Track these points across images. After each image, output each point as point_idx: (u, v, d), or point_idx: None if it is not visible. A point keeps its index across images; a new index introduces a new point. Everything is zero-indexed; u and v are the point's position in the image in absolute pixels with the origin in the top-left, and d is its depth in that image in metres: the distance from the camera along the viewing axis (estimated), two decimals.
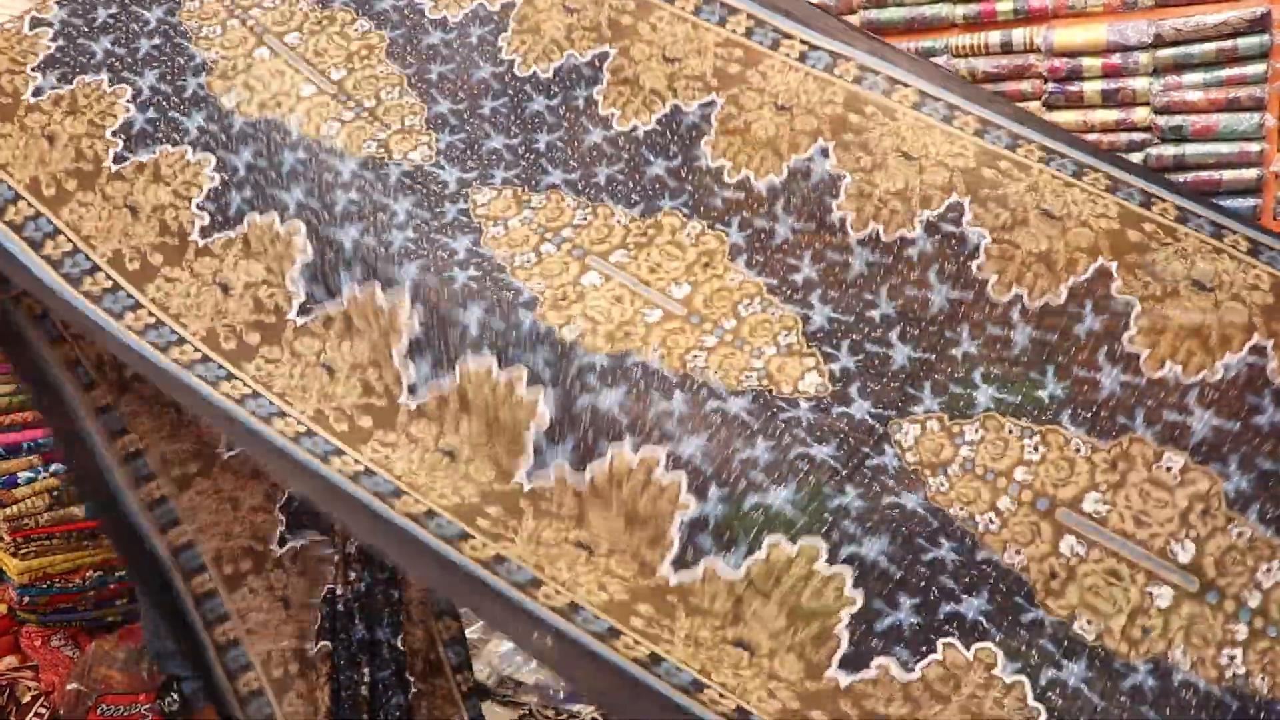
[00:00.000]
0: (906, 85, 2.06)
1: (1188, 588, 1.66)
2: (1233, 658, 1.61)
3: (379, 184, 2.10)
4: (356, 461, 1.85)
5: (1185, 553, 1.67)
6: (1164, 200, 1.92)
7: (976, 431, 1.78)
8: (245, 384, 1.95)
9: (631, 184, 2.09)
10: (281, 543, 2.44)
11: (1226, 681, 1.61)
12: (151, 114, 2.18)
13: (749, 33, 2.15)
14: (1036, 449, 1.76)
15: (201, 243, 2.09)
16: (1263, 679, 1.60)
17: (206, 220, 2.10)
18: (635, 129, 2.13)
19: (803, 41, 2.13)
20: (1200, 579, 1.66)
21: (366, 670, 2.46)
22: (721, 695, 1.62)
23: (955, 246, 1.90)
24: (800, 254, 1.97)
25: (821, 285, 1.94)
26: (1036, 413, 1.78)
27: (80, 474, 2.34)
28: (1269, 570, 1.65)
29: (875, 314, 1.90)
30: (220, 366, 1.96)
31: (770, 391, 1.86)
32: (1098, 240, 1.85)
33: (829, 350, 1.89)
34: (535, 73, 2.22)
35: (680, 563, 1.76)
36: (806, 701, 1.64)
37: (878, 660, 1.65)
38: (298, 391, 1.95)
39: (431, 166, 2.14)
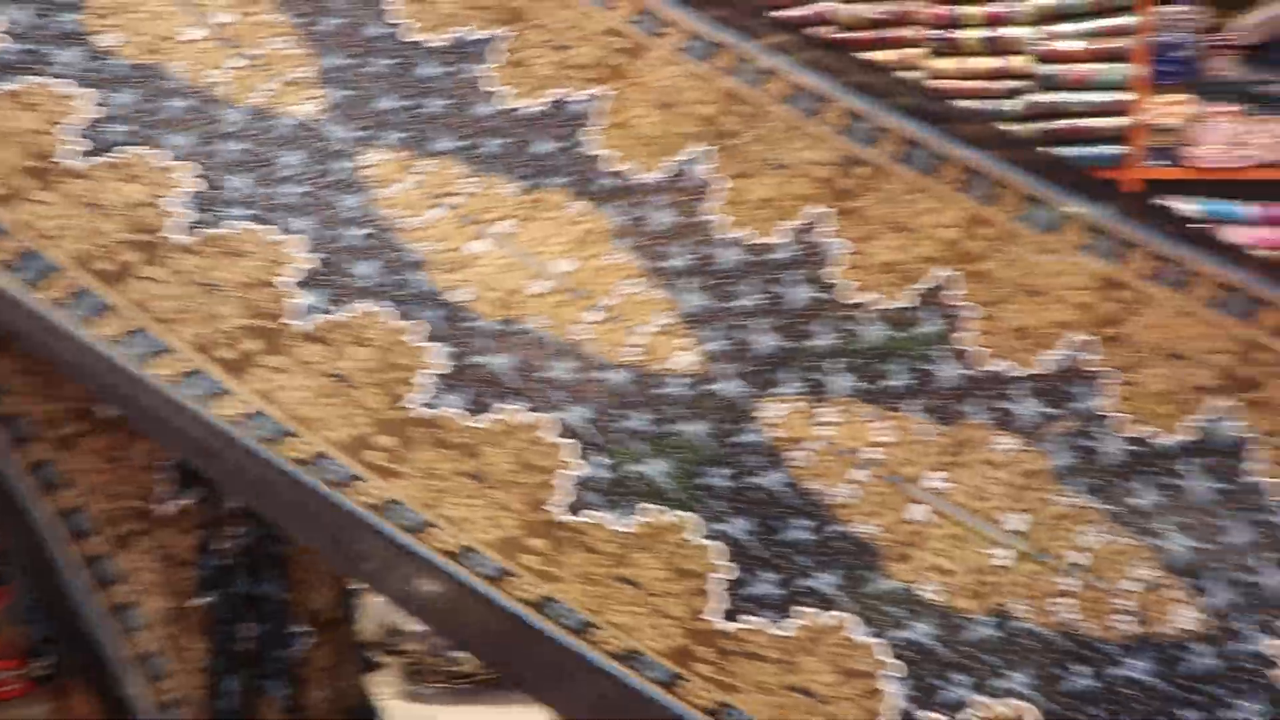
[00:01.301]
0: (777, 75, 2.17)
1: (1022, 549, 1.85)
2: (1063, 605, 1.80)
3: (267, 135, 2.09)
4: (244, 401, 1.83)
5: (1017, 522, 1.87)
6: (1010, 191, 2.08)
7: (833, 414, 1.95)
8: (123, 313, 1.89)
9: (517, 159, 2.14)
10: (170, 501, 2.38)
11: (1059, 626, 1.79)
12: (21, 47, 2.10)
13: (631, 20, 2.22)
14: (886, 432, 1.94)
15: (73, 165, 2.01)
16: (1089, 622, 1.80)
17: (81, 147, 2.02)
18: (523, 109, 2.18)
19: (681, 29, 2.21)
20: (1031, 542, 1.85)
21: (249, 625, 2.42)
22: (611, 637, 1.70)
23: (815, 255, 2.07)
24: (675, 243, 2.09)
25: (695, 274, 2.07)
26: (886, 400, 1.96)
27: None
28: (1091, 532, 1.86)
29: (743, 303, 2.04)
30: (95, 295, 1.90)
31: (647, 368, 1.98)
32: (940, 251, 2.06)
33: (701, 334, 2.02)
34: (426, 40, 2.23)
35: (572, 508, 1.84)
36: (695, 639, 1.74)
37: (750, 617, 1.78)
38: (180, 314, 1.90)
39: (321, 123, 2.13)
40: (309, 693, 2.53)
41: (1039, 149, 2.23)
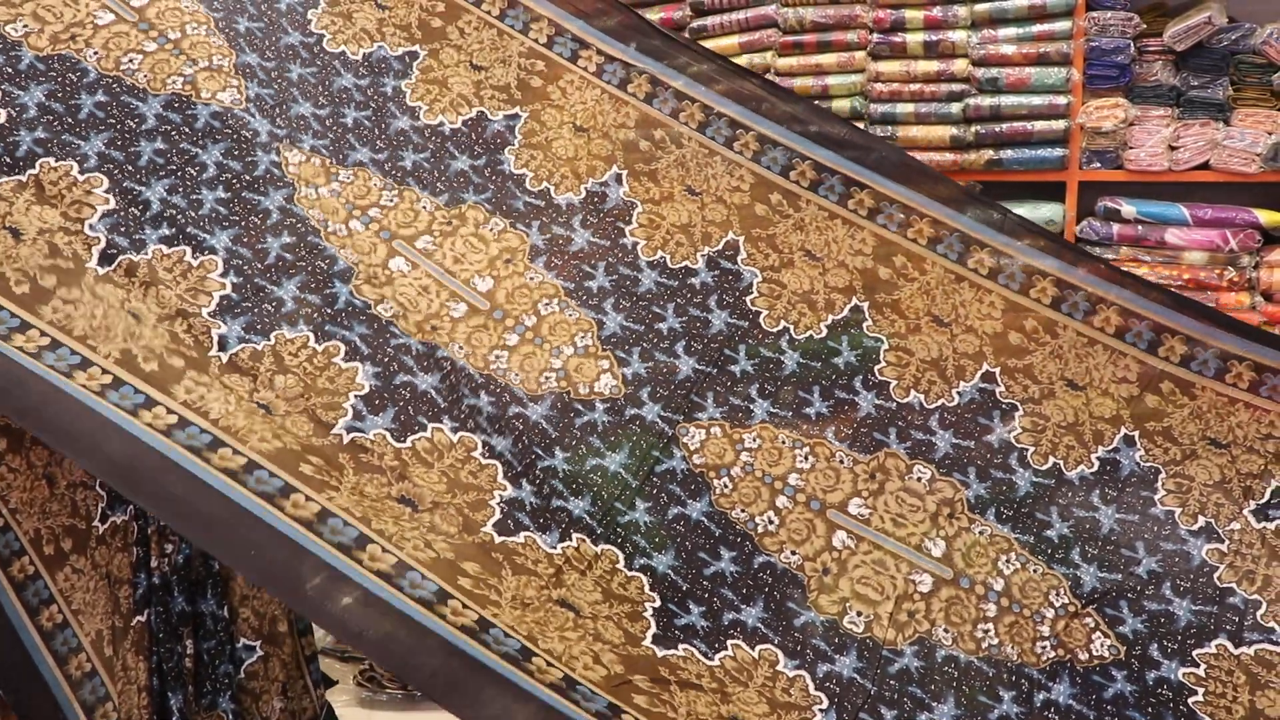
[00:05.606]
0: (693, 101, 2.18)
1: (944, 575, 1.86)
2: (986, 631, 1.81)
3: (186, 128, 2.00)
4: (169, 412, 1.71)
5: (937, 548, 1.88)
6: (921, 219, 2.08)
7: (754, 439, 1.94)
8: (42, 332, 1.76)
9: (436, 174, 2.11)
10: (103, 519, 2.36)
11: (983, 652, 1.80)
12: None
13: (550, 42, 2.21)
14: (807, 458, 1.94)
15: None
16: (1012, 647, 1.81)
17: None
18: (442, 125, 2.16)
19: (599, 52, 2.21)
20: (953, 568, 1.87)
21: (190, 642, 2.42)
22: (549, 664, 1.64)
23: (731, 281, 2.07)
24: (595, 264, 2.08)
25: (614, 295, 2.05)
26: (805, 427, 1.96)
27: None
28: (1008, 560, 1.88)
29: (663, 326, 2.04)
30: (13, 315, 1.78)
31: (568, 394, 1.96)
32: (852, 280, 2.06)
33: (621, 355, 2.01)
34: (344, 51, 2.20)
35: (503, 528, 1.81)
36: (630, 665, 1.71)
37: (683, 645, 1.78)
38: (101, 333, 1.78)
39: (241, 111, 2.06)
40: (262, 706, 2.54)
41: (948, 178, 2.22)
